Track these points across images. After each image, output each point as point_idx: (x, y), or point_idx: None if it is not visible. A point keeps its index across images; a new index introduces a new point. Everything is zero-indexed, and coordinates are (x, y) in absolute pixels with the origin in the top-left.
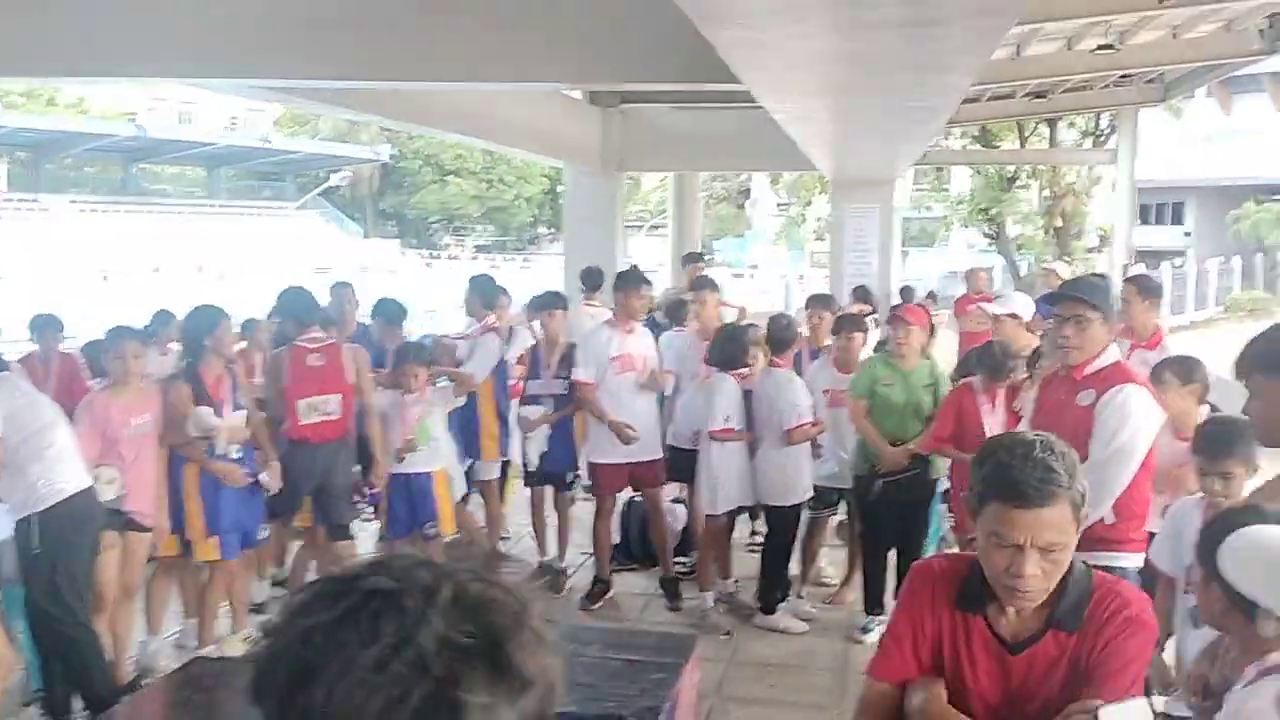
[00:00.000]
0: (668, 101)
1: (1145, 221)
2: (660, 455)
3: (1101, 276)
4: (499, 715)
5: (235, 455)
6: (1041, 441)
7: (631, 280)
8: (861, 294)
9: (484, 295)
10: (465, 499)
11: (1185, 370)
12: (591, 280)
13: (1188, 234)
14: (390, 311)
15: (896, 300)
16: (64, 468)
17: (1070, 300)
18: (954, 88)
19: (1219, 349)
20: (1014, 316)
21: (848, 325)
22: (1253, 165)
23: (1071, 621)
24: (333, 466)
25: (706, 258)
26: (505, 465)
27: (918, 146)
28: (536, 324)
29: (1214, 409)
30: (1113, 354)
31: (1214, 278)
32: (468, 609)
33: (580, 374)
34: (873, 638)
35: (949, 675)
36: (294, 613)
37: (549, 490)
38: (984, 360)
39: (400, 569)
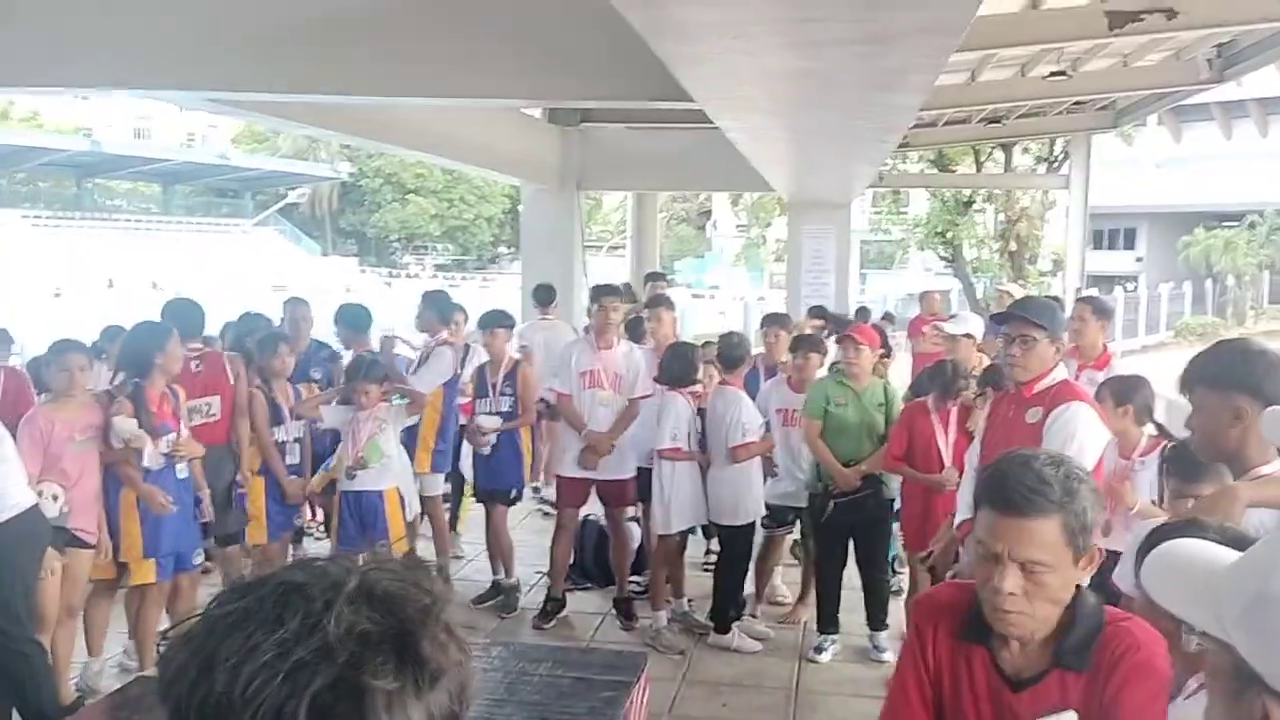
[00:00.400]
0: (627, 121)
1: (1099, 246)
2: (630, 475)
3: (1053, 298)
4: (405, 704)
5: (182, 475)
6: (1047, 455)
7: (601, 293)
8: (818, 312)
9: (439, 311)
10: (420, 517)
11: (1122, 391)
12: (541, 296)
13: (1139, 259)
14: (354, 317)
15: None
16: (13, 484)
17: (1017, 320)
18: (904, 106)
19: (1169, 373)
20: (969, 336)
21: (805, 345)
22: (1202, 192)
23: (1077, 661)
24: (217, 472)
25: (668, 278)
26: (460, 483)
27: (871, 168)
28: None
29: (1161, 429)
30: (1060, 373)
31: (1165, 302)
32: (376, 600)
33: (556, 384)
34: (826, 657)
35: (949, 711)
36: (205, 610)
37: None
38: (936, 379)
39: (313, 566)
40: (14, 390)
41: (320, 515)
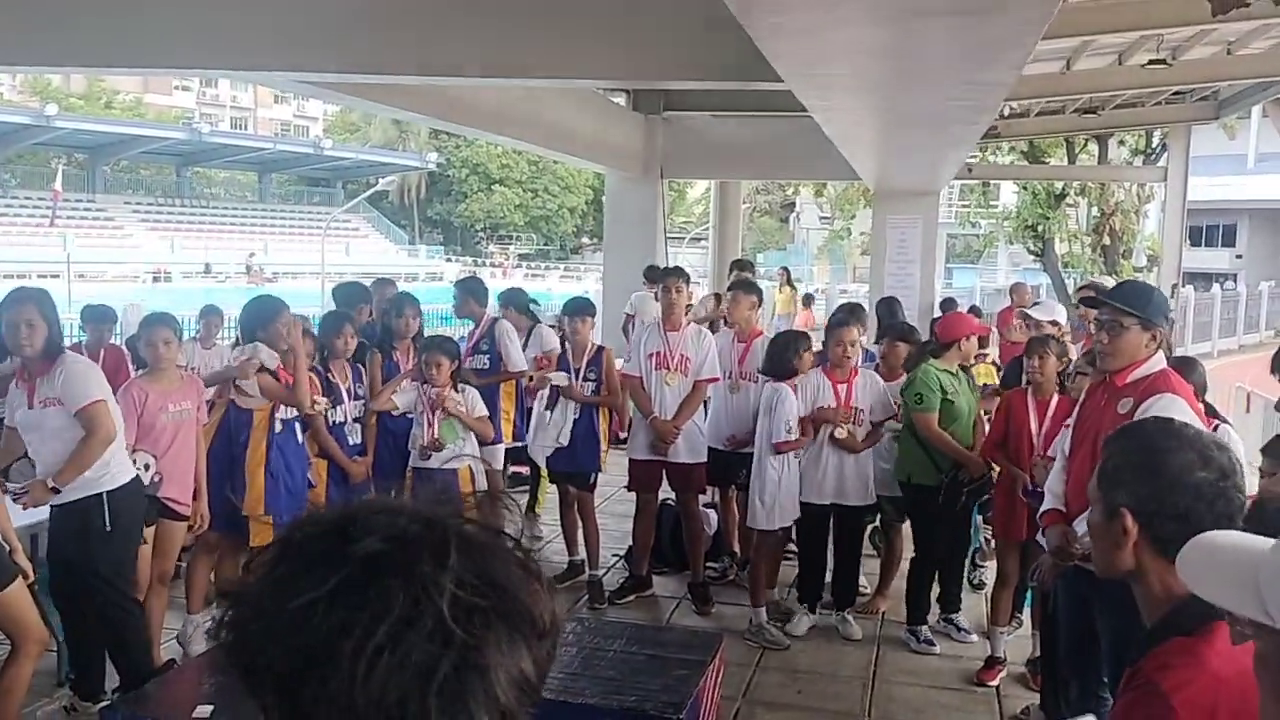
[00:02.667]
0: (710, 109)
1: (1196, 243)
2: (701, 460)
3: (1145, 285)
4: (521, 664)
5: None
6: None
7: (665, 275)
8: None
9: (476, 295)
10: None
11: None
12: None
13: (1239, 256)
14: (517, 300)
15: (938, 314)
16: (122, 454)
17: (1106, 305)
18: (996, 84)
19: (1266, 374)
20: (1054, 324)
21: (891, 333)
22: None
23: (1138, 649)
24: None
25: (753, 266)
26: (535, 468)
27: (960, 153)
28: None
29: (1210, 409)
30: (1158, 362)
31: (1265, 301)
32: (475, 565)
33: (627, 367)
34: (937, 647)
35: None
36: (275, 589)
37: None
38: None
39: (386, 526)
40: (112, 366)
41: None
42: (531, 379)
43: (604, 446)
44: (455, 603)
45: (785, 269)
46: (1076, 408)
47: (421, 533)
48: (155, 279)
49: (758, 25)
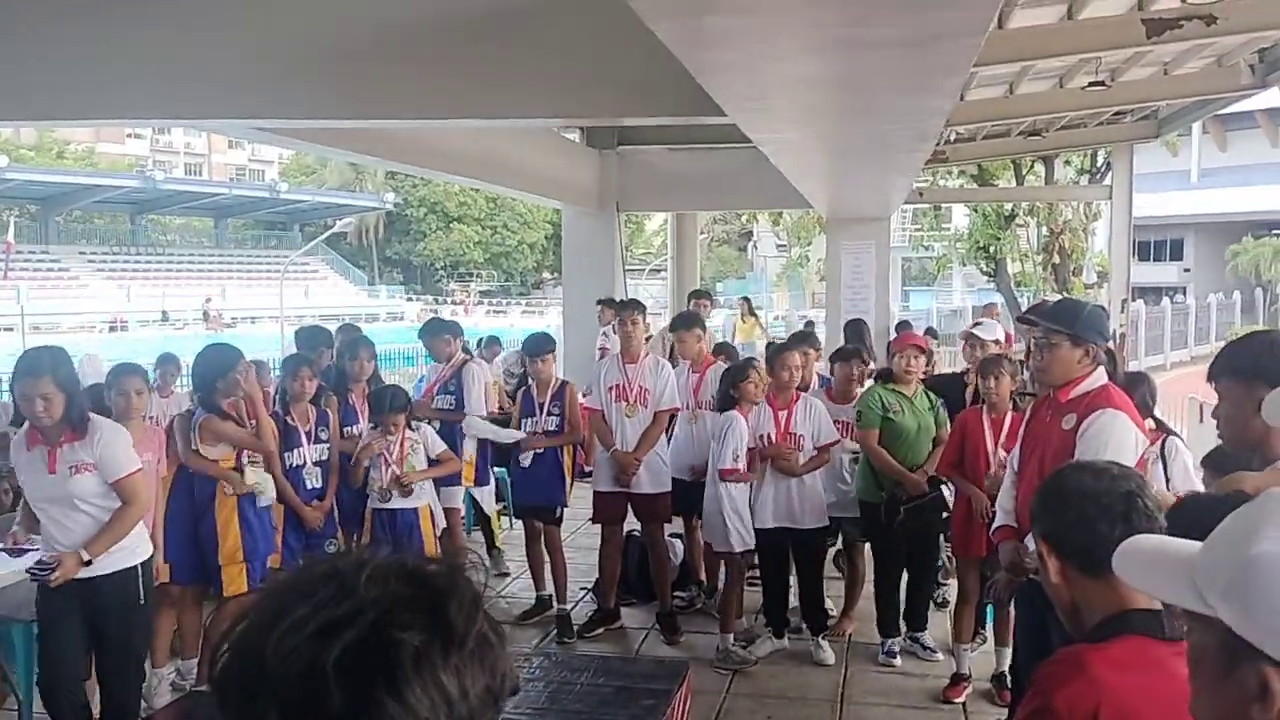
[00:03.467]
0: (664, 142)
1: (1145, 258)
2: (665, 489)
3: (1099, 308)
4: (433, 662)
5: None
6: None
7: (621, 308)
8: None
9: (451, 333)
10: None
11: (1124, 388)
12: (612, 306)
13: (1187, 270)
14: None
15: (893, 336)
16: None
17: (1037, 323)
18: (934, 110)
19: None
20: (998, 342)
21: (841, 356)
22: (1250, 200)
23: None
24: None
25: (711, 296)
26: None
27: (906, 179)
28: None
29: (1160, 423)
30: (1099, 378)
31: (1214, 313)
32: (407, 572)
33: (589, 400)
34: (899, 660)
35: None
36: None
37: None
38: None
39: (351, 553)
40: None
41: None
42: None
43: (568, 480)
44: (374, 588)
45: (746, 299)
46: (1023, 425)
47: (366, 555)
48: (112, 328)
49: (696, 61)
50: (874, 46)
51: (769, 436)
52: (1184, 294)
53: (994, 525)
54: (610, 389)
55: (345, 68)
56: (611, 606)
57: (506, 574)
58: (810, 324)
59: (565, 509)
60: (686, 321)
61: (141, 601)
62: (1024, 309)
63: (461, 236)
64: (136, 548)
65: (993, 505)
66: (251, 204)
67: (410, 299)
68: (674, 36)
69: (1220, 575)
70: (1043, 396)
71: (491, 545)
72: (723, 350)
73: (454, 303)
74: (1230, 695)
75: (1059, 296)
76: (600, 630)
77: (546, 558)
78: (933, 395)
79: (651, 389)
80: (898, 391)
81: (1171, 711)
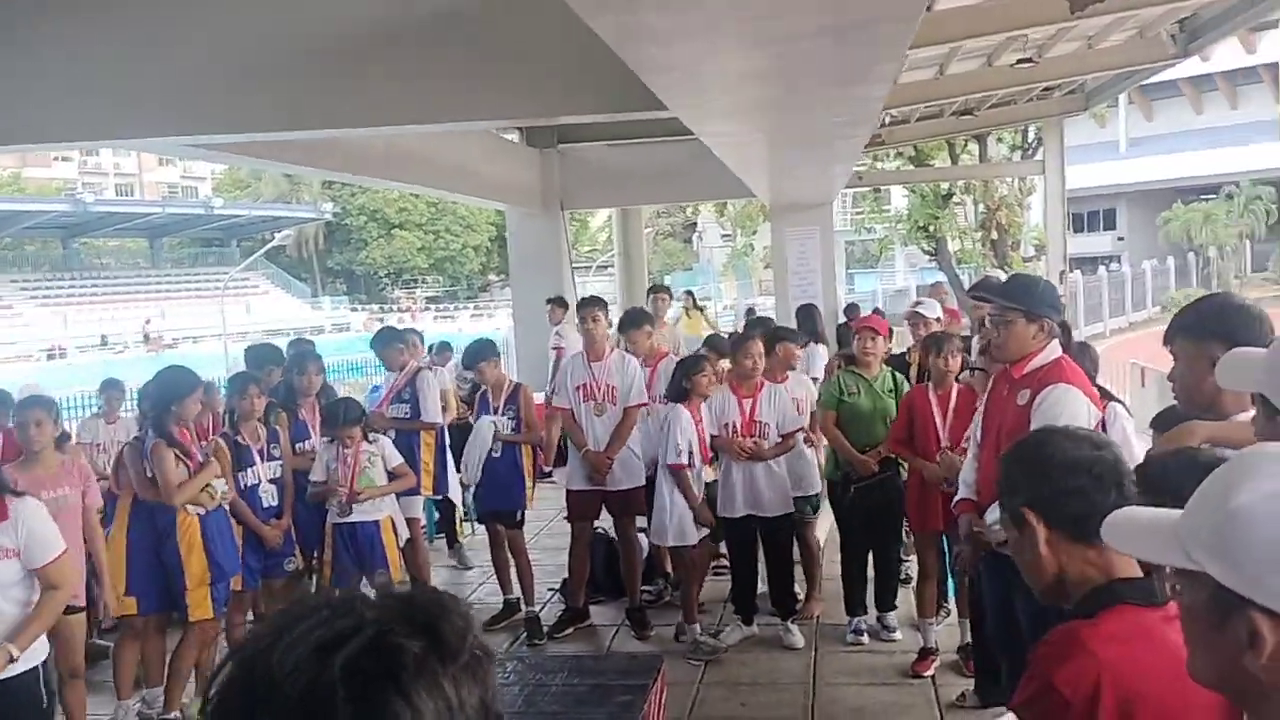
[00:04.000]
0: (604, 138)
1: (1079, 229)
2: (639, 484)
3: (1030, 277)
4: (433, 670)
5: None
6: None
7: (581, 306)
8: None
9: (403, 342)
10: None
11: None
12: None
13: (1120, 239)
14: (471, 353)
15: (843, 319)
16: None
17: (991, 301)
18: (871, 98)
19: (1158, 347)
20: (939, 320)
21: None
22: (1178, 168)
23: None
24: None
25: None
26: (451, 507)
27: (846, 165)
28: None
29: (1103, 390)
30: (1053, 352)
31: (1150, 279)
32: (400, 597)
33: (556, 400)
34: (867, 638)
35: None
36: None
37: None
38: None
39: (343, 593)
40: (14, 451)
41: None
42: None
43: (529, 482)
44: (375, 609)
45: (689, 292)
46: (983, 400)
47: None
48: (50, 356)
49: (636, 57)
50: (807, 37)
51: (734, 425)
52: (1119, 262)
53: (955, 498)
54: (578, 388)
55: (282, 81)
56: (581, 605)
57: (470, 568)
58: (750, 310)
59: (527, 511)
60: (634, 320)
61: (44, 705)
62: (967, 285)
63: (404, 243)
64: (37, 646)
65: (947, 480)
66: (186, 222)
67: (355, 309)
68: (611, 33)
69: (1203, 531)
70: (999, 371)
71: (453, 541)
72: (711, 344)
73: (400, 310)
74: (1224, 647)
75: (1000, 272)
76: (570, 630)
77: (512, 561)
78: (897, 376)
79: (619, 385)
80: (856, 374)
81: (1170, 677)
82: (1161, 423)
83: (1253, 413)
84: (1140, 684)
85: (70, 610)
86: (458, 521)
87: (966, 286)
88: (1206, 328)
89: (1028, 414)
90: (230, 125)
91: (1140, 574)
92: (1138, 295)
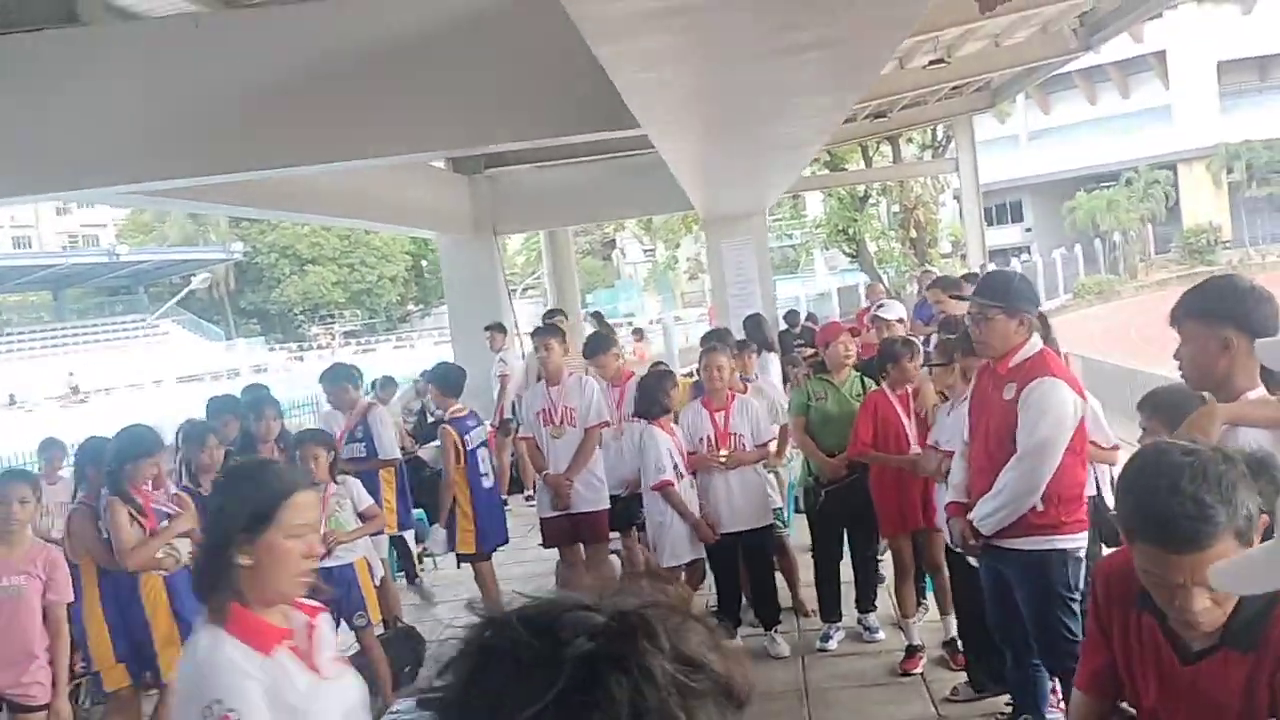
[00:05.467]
0: (530, 162)
1: (989, 222)
2: (602, 506)
3: (1005, 273)
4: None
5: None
6: (1191, 467)
7: (534, 334)
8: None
9: (353, 381)
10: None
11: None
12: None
13: (1028, 230)
14: (442, 376)
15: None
16: None
17: (970, 300)
18: (845, 105)
19: (1075, 333)
20: (901, 321)
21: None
22: (1077, 157)
23: (1245, 640)
24: None
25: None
26: (404, 542)
27: (790, 175)
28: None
29: None
30: (1034, 346)
31: (1060, 267)
32: (674, 647)
33: (522, 430)
34: (834, 644)
35: (1125, 676)
36: (491, 699)
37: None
38: (886, 359)
39: (589, 623)
40: None
41: None
42: None
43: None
44: (673, 685)
45: (597, 313)
46: (969, 397)
47: (629, 624)
48: None
49: (629, 80)
50: (803, 50)
51: (709, 438)
52: (1029, 252)
53: (946, 500)
54: (537, 414)
55: (190, 125)
56: None
57: (435, 603)
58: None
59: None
60: (600, 345)
61: None
62: (887, 284)
63: (318, 278)
64: None
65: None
66: (90, 271)
67: (272, 348)
68: (614, 58)
69: None
70: (983, 367)
71: (413, 577)
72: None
73: (319, 347)
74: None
75: (934, 269)
76: None
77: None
78: (865, 381)
79: (577, 407)
80: (824, 379)
81: None
82: (1153, 404)
83: (1261, 391)
84: None
85: (25, 708)
86: (415, 556)
87: (887, 285)
88: (1216, 310)
89: (1014, 409)
90: (154, 172)
91: None
92: (1050, 283)
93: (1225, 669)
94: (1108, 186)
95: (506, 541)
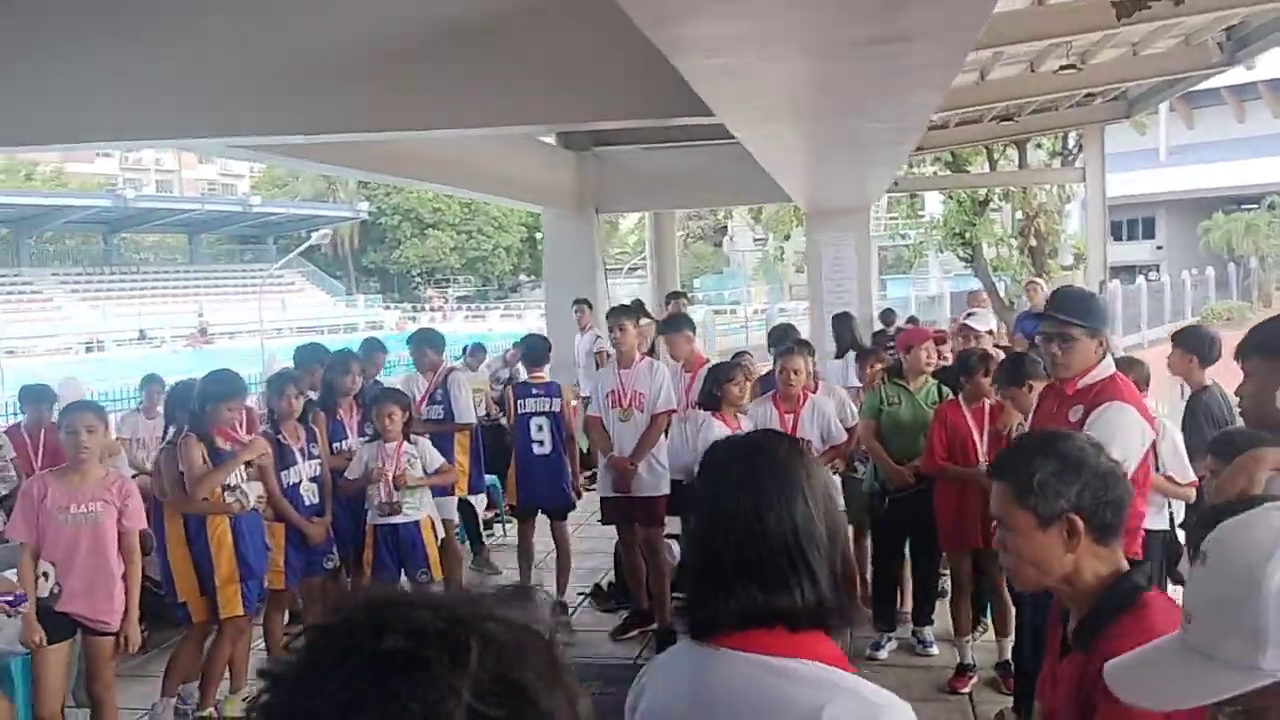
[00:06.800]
0: (640, 142)
1: (1118, 237)
2: (661, 492)
3: (1083, 291)
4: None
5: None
6: (1065, 434)
7: (609, 315)
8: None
9: (435, 346)
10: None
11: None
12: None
13: (1160, 247)
14: (529, 347)
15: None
16: None
17: (1051, 319)
18: (923, 105)
19: None
20: (990, 333)
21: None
22: (1219, 177)
23: (1081, 642)
24: None
25: (688, 295)
26: (473, 511)
27: (889, 171)
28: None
29: None
30: (1106, 368)
31: (1189, 289)
32: (497, 668)
33: (590, 409)
34: (884, 654)
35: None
36: (294, 686)
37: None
38: (962, 372)
39: (410, 620)
40: (54, 447)
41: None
42: None
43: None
44: (471, 714)
45: (675, 292)
46: (1030, 416)
47: (445, 631)
48: (88, 349)
49: (690, 67)
50: (864, 44)
51: None
52: (1158, 271)
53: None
54: (607, 395)
55: (321, 84)
56: (645, 608)
57: (499, 572)
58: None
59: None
60: (676, 324)
61: None
62: (1003, 293)
63: (437, 242)
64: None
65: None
66: (225, 219)
67: (388, 307)
68: (670, 42)
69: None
70: (1047, 386)
71: (478, 547)
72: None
73: (432, 309)
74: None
75: (1044, 280)
76: (635, 632)
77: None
78: (943, 389)
79: (646, 392)
80: (899, 384)
81: None
82: (1222, 446)
83: None
84: None
85: (92, 632)
86: (480, 521)
87: (1002, 294)
88: None
89: (1079, 431)
90: (270, 128)
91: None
92: (1177, 305)
93: (1070, 670)
94: (1249, 209)
95: (554, 510)
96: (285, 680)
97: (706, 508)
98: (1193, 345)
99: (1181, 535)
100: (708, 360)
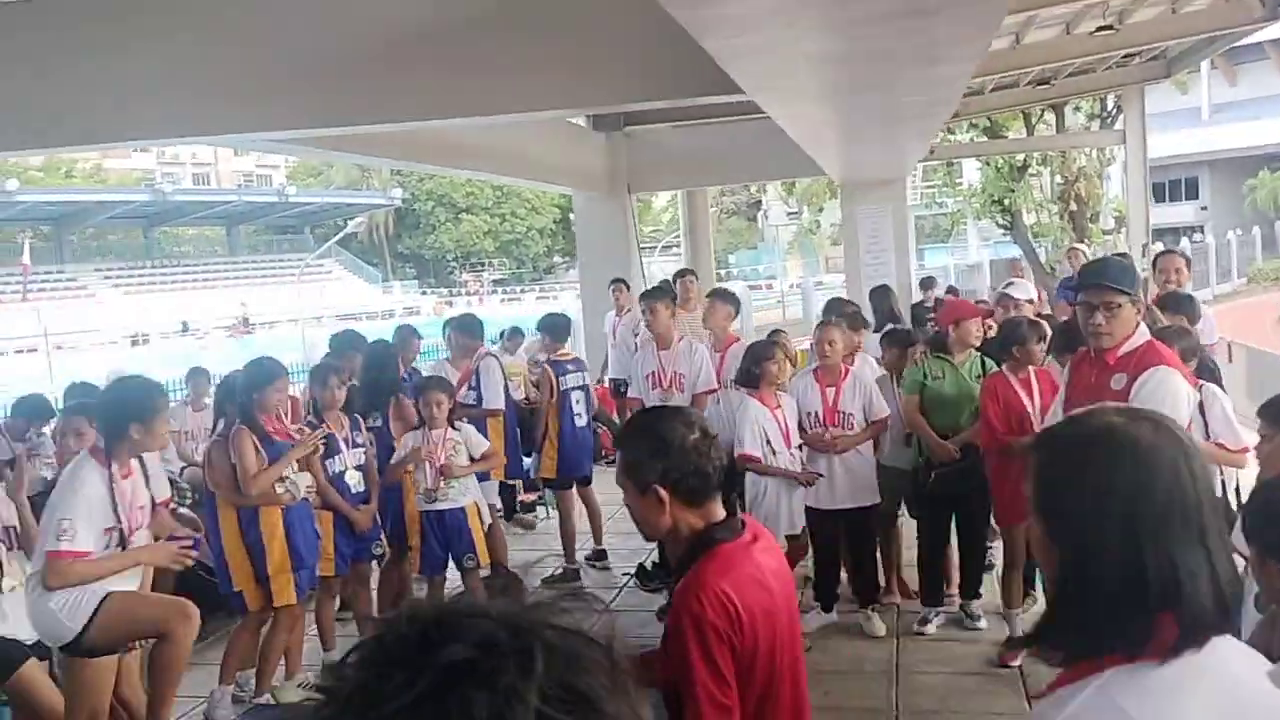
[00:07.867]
0: (670, 120)
1: (1160, 199)
2: None
3: (1121, 255)
4: None
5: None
6: None
7: (642, 298)
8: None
9: (472, 332)
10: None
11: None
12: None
13: (1204, 208)
14: (551, 325)
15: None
16: None
17: (1097, 288)
18: (953, 78)
19: (1244, 320)
20: (1031, 302)
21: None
22: (1264, 134)
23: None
24: None
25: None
26: (512, 491)
27: (923, 142)
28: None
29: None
30: (1143, 334)
31: (1235, 249)
32: (560, 676)
33: (630, 391)
34: (932, 629)
35: None
36: (362, 692)
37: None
38: (1009, 340)
39: (473, 630)
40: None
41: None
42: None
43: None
44: (543, 713)
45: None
46: (1064, 384)
47: (508, 641)
48: (133, 343)
49: (717, 46)
50: (889, 18)
51: (817, 415)
52: (1202, 232)
53: None
54: (646, 377)
55: (350, 74)
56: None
57: (533, 525)
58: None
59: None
60: (723, 295)
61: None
62: (1044, 260)
63: (471, 227)
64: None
65: None
66: (261, 210)
67: (424, 293)
68: (696, 23)
69: None
70: (1081, 355)
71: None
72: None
73: (468, 293)
74: None
75: (1085, 245)
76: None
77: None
78: (986, 362)
79: (686, 373)
80: (943, 359)
81: (757, 588)
82: (1274, 412)
83: None
84: (747, 597)
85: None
86: (518, 504)
87: (1042, 260)
88: None
89: (1125, 398)
90: (303, 120)
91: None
92: (1223, 266)
93: None
94: None
95: (584, 478)
96: (345, 697)
97: None
98: None
99: (1234, 501)
100: (738, 338)
